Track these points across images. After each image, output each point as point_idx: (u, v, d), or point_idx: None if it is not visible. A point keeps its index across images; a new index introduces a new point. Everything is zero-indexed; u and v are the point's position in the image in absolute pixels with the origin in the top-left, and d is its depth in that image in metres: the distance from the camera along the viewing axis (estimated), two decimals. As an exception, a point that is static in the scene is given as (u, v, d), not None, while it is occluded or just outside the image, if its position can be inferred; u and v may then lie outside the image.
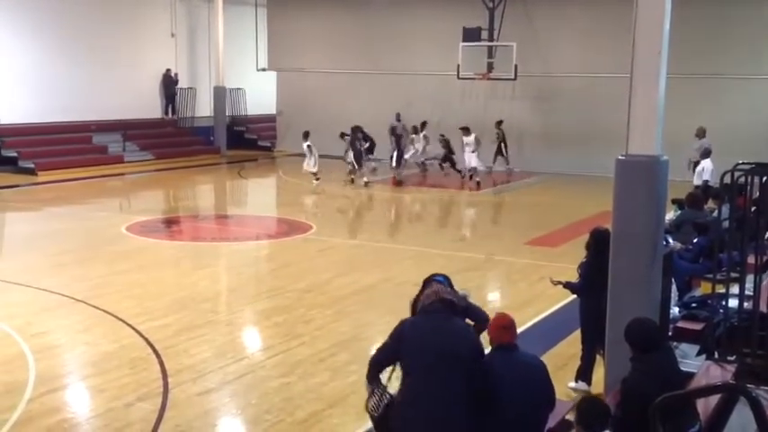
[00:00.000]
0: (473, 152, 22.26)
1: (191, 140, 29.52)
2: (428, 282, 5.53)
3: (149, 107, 28.50)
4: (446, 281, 5.62)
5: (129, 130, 26.76)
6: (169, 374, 8.13)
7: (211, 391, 7.90)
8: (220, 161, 27.69)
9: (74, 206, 17.37)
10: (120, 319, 9.92)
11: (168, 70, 29.12)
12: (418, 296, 5.41)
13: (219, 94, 29.56)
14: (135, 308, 10.48)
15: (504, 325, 5.36)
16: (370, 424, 6.77)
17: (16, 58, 24.04)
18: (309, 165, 21.76)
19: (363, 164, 22.23)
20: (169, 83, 29.27)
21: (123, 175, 24.12)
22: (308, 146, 21.68)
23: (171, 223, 17.61)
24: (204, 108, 30.32)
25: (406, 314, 5.42)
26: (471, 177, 22.53)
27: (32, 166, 23.20)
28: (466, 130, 22.40)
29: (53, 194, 20.37)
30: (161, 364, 8.44)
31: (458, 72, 24.69)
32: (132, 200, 18.21)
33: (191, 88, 30.19)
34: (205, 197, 22.78)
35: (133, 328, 9.57)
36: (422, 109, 26.80)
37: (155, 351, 8.81)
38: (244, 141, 30.87)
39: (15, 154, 23.63)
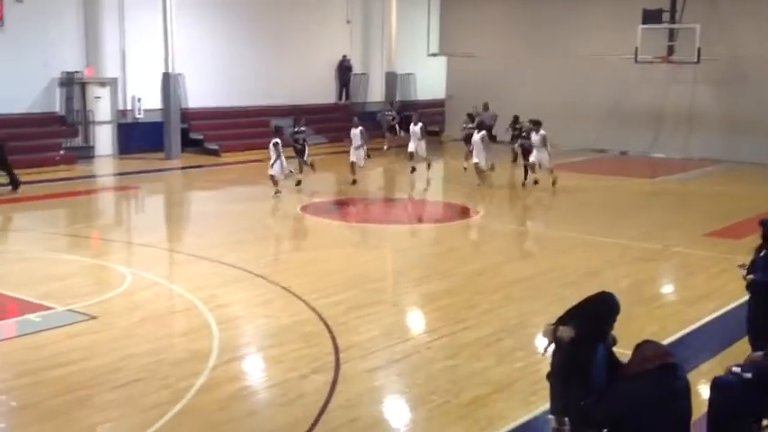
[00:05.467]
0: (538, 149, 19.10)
1: (362, 125, 30.13)
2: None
3: (324, 92, 29.44)
4: None
5: (305, 114, 27.70)
6: (340, 350, 8.43)
7: (379, 368, 8.12)
8: (390, 145, 28.17)
9: (254, 186, 18.29)
10: (296, 295, 10.37)
11: (344, 56, 29.96)
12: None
13: (391, 79, 30.05)
14: (309, 284, 10.92)
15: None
16: (536, 411, 6.78)
17: (202, 46, 25.51)
18: (275, 169, 17.33)
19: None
20: (344, 69, 30.12)
21: (293, 158, 25.04)
22: (275, 143, 17.32)
23: (343, 205, 18.15)
24: (376, 93, 30.93)
25: (572, 303, 5.28)
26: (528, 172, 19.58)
27: (217, 147, 24.61)
28: (537, 125, 19.36)
29: (235, 175, 21.53)
30: (333, 339, 8.75)
31: (636, 55, 23.77)
32: (307, 181, 18.94)
33: (363, 74, 30.91)
34: (374, 181, 23.28)
35: (307, 304, 9.98)
36: (596, 93, 26.06)
37: (327, 327, 9.15)
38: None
39: (201, 136, 25.14)
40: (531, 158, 19.22)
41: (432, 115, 31.60)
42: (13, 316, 9.72)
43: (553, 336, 5.25)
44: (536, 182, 19.20)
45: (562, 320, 5.27)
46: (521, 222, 15.55)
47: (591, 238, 14.15)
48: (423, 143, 20.93)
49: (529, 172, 19.54)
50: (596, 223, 15.54)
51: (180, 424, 6.73)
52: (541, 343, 5.52)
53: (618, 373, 5.15)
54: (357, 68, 30.61)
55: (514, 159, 21.55)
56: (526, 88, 27.28)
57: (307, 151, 19.07)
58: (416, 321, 10.18)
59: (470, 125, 20.85)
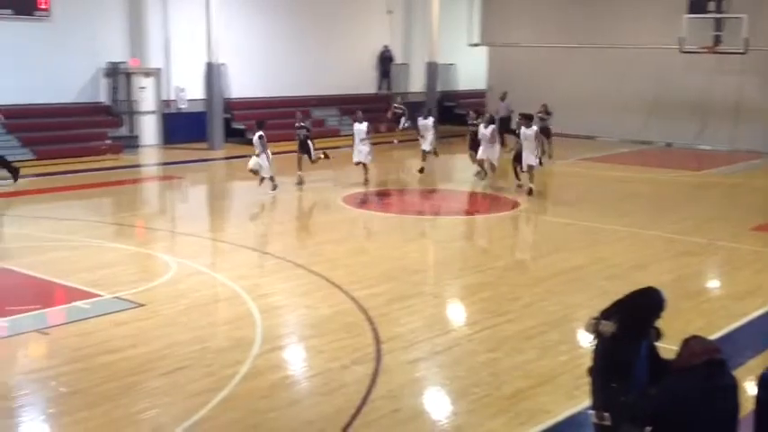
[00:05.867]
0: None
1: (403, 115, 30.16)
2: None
3: (365, 83, 29.47)
4: None
5: (345, 104, 27.82)
6: (381, 341, 8.47)
7: (420, 360, 8.15)
8: (399, 139, 28.07)
9: (295, 177, 18.37)
10: (336, 285, 10.43)
11: (385, 47, 29.96)
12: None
13: (432, 69, 29.98)
14: (350, 275, 10.98)
15: None
16: (579, 406, 6.74)
17: (245, 37, 25.69)
18: (258, 163, 16.75)
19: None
20: (385, 59, 30.12)
21: (339, 149, 25.14)
22: (261, 136, 16.75)
23: (383, 196, 18.18)
24: (417, 83, 30.88)
25: (616, 297, 5.24)
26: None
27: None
28: (528, 119, 17.70)
29: (277, 165, 21.61)
30: (374, 330, 8.80)
31: (680, 45, 23.38)
32: (347, 172, 19.01)
33: (404, 64, 30.87)
34: (414, 172, 23.27)
35: (348, 295, 10.04)
36: (639, 84, 25.70)
37: (368, 318, 9.20)
38: (454, 117, 31.10)
39: (243, 126, 25.33)
40: (530, 162, 17.27)
41: (473, 106, 31.50)
42: (62, 303, 9.95)
43: (595, 330, 5.22)
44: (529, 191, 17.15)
45: (605, 314, 5.23)
46: (562, 214, 15.41)
47: (634, 230, 14.00)
48: (433, 137, 20.11)
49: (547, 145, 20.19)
50: (639, 216, 15.36)
51: (224, 411, 6.83)
52: (585, 337, 5.49)
53: (661, 368, 5.09)
54: (398, 59, 30.59)
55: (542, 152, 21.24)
56: (568, 79, 27.02)
57: (311, 147, 18.19)
58: (458, 313, 10.18)
59: (476, 120, 19.42)
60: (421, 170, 19.75)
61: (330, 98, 27.56)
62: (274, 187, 16.84)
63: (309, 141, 18.26)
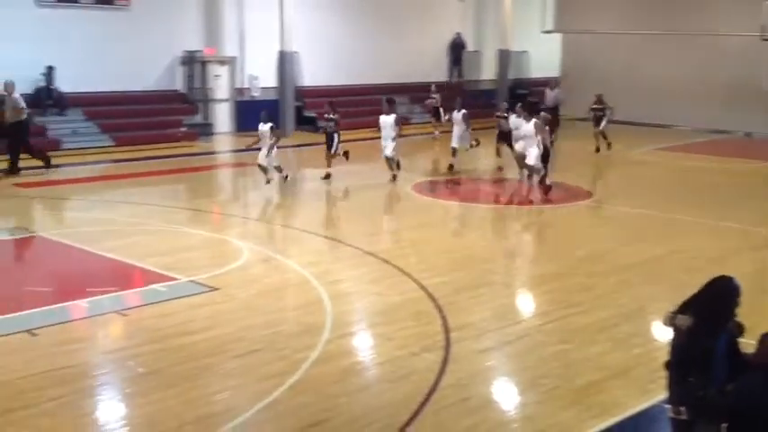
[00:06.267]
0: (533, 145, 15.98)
1: (474, 103, 29.95)
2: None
3: (436, 71, 29.34)
4: None
5: (416, 93, 27.76)
6: (451, 330, 8.46)
7: (490, 349, 8.12)
8: (439, 131, 27.84)
9: (364, 164, 18.47)
10: (406, 273, 10.46)
11: (457, 34, 29.78)
12: None
13: (504, 56, 29.67)
14: (419, 263, 10.99)
15: None
16: (654, 399, 6.62)
17: (317, 25, 25.85)
18: (266, 157, 16.30)
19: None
20: (457, 46, 29.94)
21: (408, 137, 25.13)
22: (272, 127, 16.47)
23: (454, 184, 18.09)
24: (489, 71, 30.62)
25: (694, 290, 5.12)
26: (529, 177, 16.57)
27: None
28: (532, 111, 16.74)
29: (353, 152, 21.76)
30: (443, 318, 8.79)
31: (762, 32, 22.60)
32: (418, 160, 18.99)
33: (476, 51, 30.64)
34: (486, 160, 23.09)
35: (417, 283, 10.05)
36: (718, 72, 24.95)
37: (437, 306, 9.19)
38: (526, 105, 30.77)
39: (315, 114, 25.53)
40: (518, 148, 16.36)
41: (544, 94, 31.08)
42: (140, 285, 10.23)
43: (671, 323, 5.12)
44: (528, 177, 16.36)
45: (681, 308, 5.12)
46: (635, 204, 15.09)
47: (711, 222, 13.64)
48: (467, 133, 18.41)
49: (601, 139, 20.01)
50: (716, 207, 14.95)
51: (296, 394, 6.93)
52: (659, 330, 5.40)
53: (742, 364, 4.96)
54: (470, 46, 30.36)
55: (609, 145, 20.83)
56: (645, 67, 26.40)
57: (336, 141, 17.14)
58: (528, 303, 10.10)
59: (505, 114, 18.19)
60: (450, 167, 18.42)
61: (401, 86, 27.54)
62: (285, 177, 16.50)
63: (336, 135, 17.23)
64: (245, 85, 24.89)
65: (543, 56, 30.66)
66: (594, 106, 21.36)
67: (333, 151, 17.18)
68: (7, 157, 17.39)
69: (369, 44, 27.12)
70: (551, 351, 8.03)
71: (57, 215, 14.66)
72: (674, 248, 11.92)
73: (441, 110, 24.08)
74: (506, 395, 7.31)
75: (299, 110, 25.22)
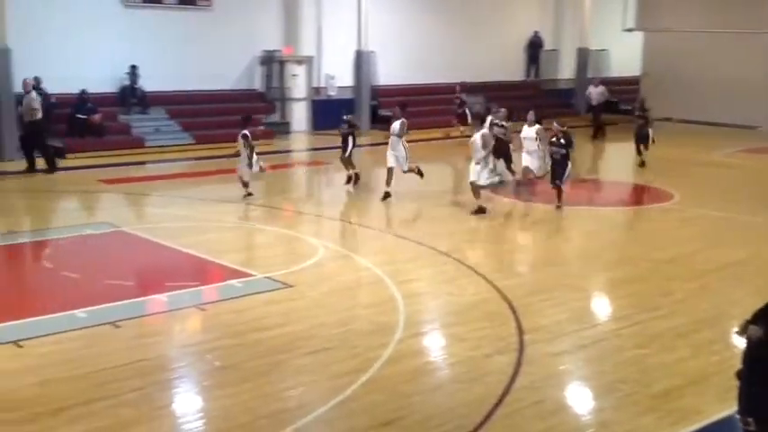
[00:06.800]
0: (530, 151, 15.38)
1: (550, 103, 29.55)
2: None
3: (513, 69, 29.09)
4: None
5: (492, 91, 27.55)
6: (525, 332, 8.36)
7: (565, 353, 7.99)
8: (579, 124, 27.43)
9: (437, 164, 18.43)
10: (479, 274, 10.39)
11: (535, 32, 29.46)
12: None
13: (583, 55, 29.20)
14: (493, 264, 10.91)
15: None
16: (732, 408, 6.41)
17: (393, 24, 25.90)
18: (245, 168, 14.94)
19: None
20: (534, 45, 29.61)
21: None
22: (245, 135, 14.98)
23: (531, 186, 17.83)
24: (566, 70, 30.17)
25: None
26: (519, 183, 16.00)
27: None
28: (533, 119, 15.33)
29: (422, 152, 21.71)
30: (517, 321, 8.70)
31: None
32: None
33: (554, 50, 30.23)
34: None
35: (491, 284, 9.97)
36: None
37: (511, 308, 9.11)
38: (605, 104, 30.20)
39: (390, 113, 25.55)
40: (524, 163, 15.34)
41: (625, 93, 30.46)
42: (217, 281, 10.44)
43: (744, 333, 5.01)
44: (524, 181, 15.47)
45: (754, 318, 5.00)
46: (718, 207, 14.63)
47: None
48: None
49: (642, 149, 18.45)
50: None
51: (368, 393, 6.96)
52: (739, 337, 5.28)
53: None
54: (548, 44, 29.97)
55: (648, 144, 19.23)
56: (728, 66, 25.56)
57: (350, 146, 16.22)
58: (605, 307, 9.91)
59: (504, 122, 16.42)
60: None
61: (476, 85, 27.38)
62: (248, 194, 14.80)
63: (350, 138, 16.30)
64: (322, 85, 25.13)
65: (624, 54, 30.06)
66: (639, 113, 19.44)
67: (345, 154, 16.38)
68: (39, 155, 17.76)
69: (444, 43, 27.05)
70: (628, 356, 7.87)
71: (138, 211, 15.09)
72: (758, 253, 11.54)
73: (467, 111, 23.39)
74: (581, 399, 7.19)
75: (373, 109, 25.33)
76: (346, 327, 8.57)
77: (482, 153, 13.56)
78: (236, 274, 10.29)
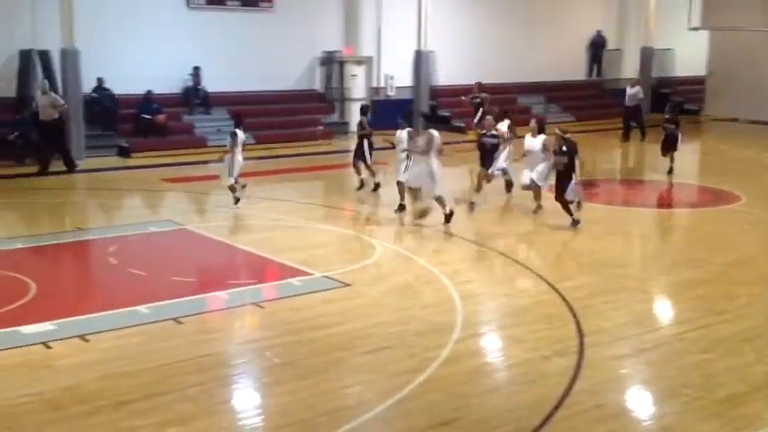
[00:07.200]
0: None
1: (613, 103, 29.10)
2: None
3: (574, 69, 28.73)
4: None
5: (553, 91, 27.27)
6: (585, 334, 8.25)
7: (626, 356, 7.86)
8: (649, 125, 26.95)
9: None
10: (538, 275, 10.29)
11: (598, 31, 29.06)
12: None
13: (647, 54, 28.65)
14: (552, 265, 10.80)
15: None
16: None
17: (452, 24, 25.81)
18: (229, 173, 13.86)
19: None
20: (596, 44, 29.20)
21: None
22: (233, 133, 13.94)
23: (588, 186, 17.59)
24: (630, 70, 29.66)
25: None
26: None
27: (462, 125, 24.86)
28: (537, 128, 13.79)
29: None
30: (577, 323, 8.58)
31: None
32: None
33: (617, 49, 29.77)
34: (622, 160, 22.41)
35: (550, 285, 9.86)
36: None
37: (571, 310, 8.99)
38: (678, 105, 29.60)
39: (449, 113, 25.53)
40: (524, 180, 13.89)
41: (690, 93, 29.83)
42: (276, 279, 10.57)
43: None
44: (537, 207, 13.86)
45: None
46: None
47: None
48: (505, 150, 15.13)
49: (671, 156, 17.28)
50: None
51: (426, 392, 6.94)
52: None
53: None
54: (611, 44, 29.52)
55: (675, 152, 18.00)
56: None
57: (366, 150, 15.53)
58: (667, 311, 9.72)
59: (495, 131, 15.16)
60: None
61: (536, 85, 27.14)
62: (236, 200, 13.96)
63: (366, 141, 15.59)
64: (381, 85, 25.19)
65: (689, 54, 29.43)
66: (669, 116, 18.00)
67: (368, 164, 15.73)
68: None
69: (504, 42, 26.84)
70: (692, 360, 7.69)
71: (200, 209, 15.35)
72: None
73: (480, 109, 21.30)
74: (643, 404, 7.05)
75: (432, 109, 25.28)
76: (404, 326, 8.57)
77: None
78: (295, 272, 10.38)
